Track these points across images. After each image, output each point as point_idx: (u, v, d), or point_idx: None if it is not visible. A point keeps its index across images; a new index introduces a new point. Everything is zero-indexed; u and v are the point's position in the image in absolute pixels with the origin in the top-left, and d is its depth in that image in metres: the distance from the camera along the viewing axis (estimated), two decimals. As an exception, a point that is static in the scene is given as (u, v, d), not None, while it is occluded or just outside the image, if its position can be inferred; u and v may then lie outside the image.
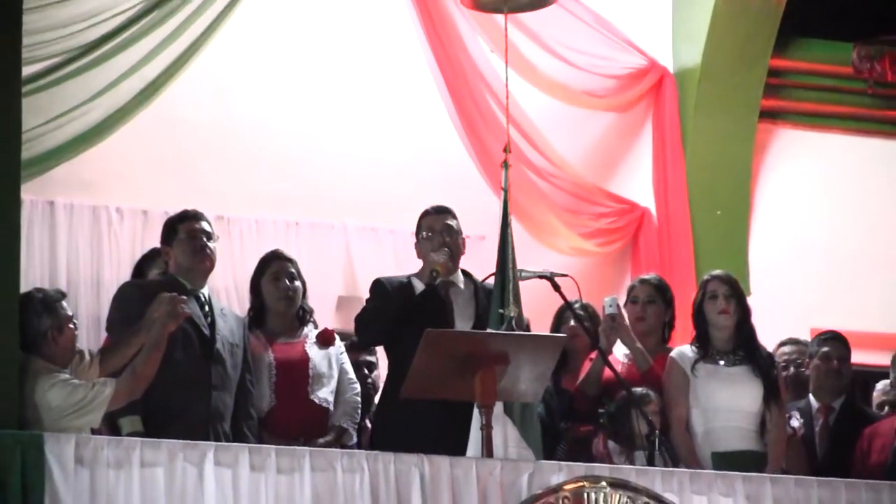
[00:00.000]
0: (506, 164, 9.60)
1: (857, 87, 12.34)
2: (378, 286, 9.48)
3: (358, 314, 9.52)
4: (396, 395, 8.91)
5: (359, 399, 9.60)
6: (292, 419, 9.31)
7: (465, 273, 9.48)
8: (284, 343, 9.50)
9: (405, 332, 8.99)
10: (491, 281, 9.38)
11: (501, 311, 9.19)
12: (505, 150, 9.72)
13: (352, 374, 9.65)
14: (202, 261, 9.09)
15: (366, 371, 9.96)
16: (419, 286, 9.34)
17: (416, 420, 8.87)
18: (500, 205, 9.60)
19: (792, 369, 10.23)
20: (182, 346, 8.82)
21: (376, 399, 9.91)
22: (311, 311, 9.76)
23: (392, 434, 8.98)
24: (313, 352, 9.54)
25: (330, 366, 9.56)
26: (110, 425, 8.63)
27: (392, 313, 9.27)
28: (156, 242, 9.81)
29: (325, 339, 9.61)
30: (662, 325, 9.80)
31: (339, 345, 9.70)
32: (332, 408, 9.49)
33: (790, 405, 9.90)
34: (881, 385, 10.28)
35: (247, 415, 9.08)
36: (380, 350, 9.98)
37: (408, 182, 11.25)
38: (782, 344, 10.40)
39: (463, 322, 9.30)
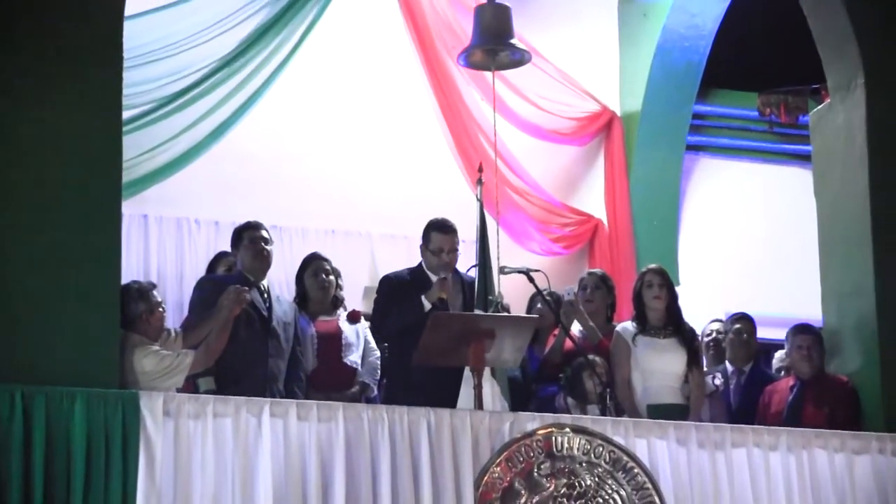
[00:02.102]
0: (480, 180, 9.68)
1: (760, 127, 12.26)
2: (386, 285, 9.39)
3: (373, 315, 9.50)
4: (400, 363, 8.97)
5: (378, 362, 9.64)
6: (330, 376, 9.35)
7: (456, 271, 9.40)
8: (323, 321, 9.54)
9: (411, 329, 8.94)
10: (472, 273, 9.40)
11: (490, 297, 9.24)
12: (479, 171, 9.80)
13: (373, 344, 9.68)
14: (262, 260, 9.05)
15: (384, 343, 9.78)
16: (427, 304, 9.15)
17: (419, 380, 8.87)
18: (477, 210, 9.66)
19: (714, 341, 10.20)
20: (247, 324, 8.78)
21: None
22: (342, 298, 9.80)
23: (399, 391, 8.97)
24: (345, 327, 9.61)
25: (357, 337, 9.63)
26: (190, 385, 8.61)
27: (403, 325, 9.13)
28: (224, 247, 9.90)
29: (353, 318, 9.69)
30: (606, 306, 9.73)
31: (364, 322, 9.75)
32: (359, 368, 9.54)
33: (713, 369, 9.94)
34: (778, 354, 10.23)
35: (296, 377, 9.03)
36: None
37: (416, 199, 11.12)
38: (710, 322, 10.36)
39: (454, 307, 9.23)
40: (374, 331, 9.59)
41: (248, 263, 9.07)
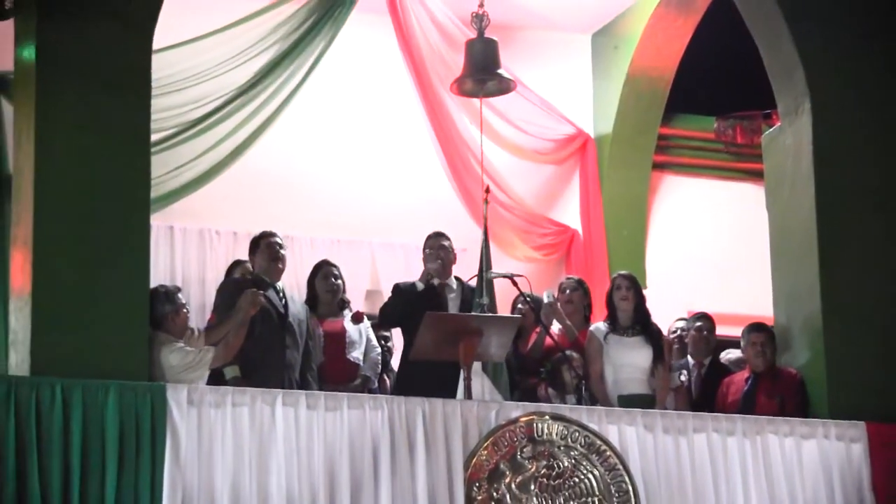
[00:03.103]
0: (486, 202, 9.70)
1: (718, 148, 12.18)
2: (396, 289, 9.46)
3: (381, 307, 9.56)
4: (408, 359, 8.96)
5: (379, 358, 9.61)
6: (335, 370, 9.30)
7: (457, 278, 9.48)
8: (330, 321, 9.50)
9: (415, 318, 8.82)
10: (473, 282, 9.41)
11: (479, 301, 9.22)
12: (486, 192, 9.83)
13: (374, 342, 9.65)
14: (276, 264, 9.02)
15: (383, 341, 9.88)
16: (420, 286, 9.34)
17: (423, 374, 8.81)
18: (482, 231, 9.65)
19: (678, 338, 10.09)
20: (266, 320, 8.76)
21: (392, 360, 9.92)
22: (348, 301, 9.78)
23: (408, 384, 8.90)
24: (349, 326, 9.56)
25: (360, 336, 9.58)
26: (217, 373, 8.55)
27: (402, 306, 9.25)
28: (241, 255, 9.91)
29: (356, 318, 9.65)
30: (583, 307, 9.68)
31: (367, 322, 9.73)
32: (361, 363, 9.50)
33: (678, 363, 9.84)
34: (723, 353, 10.13)
35: (309, 367, 9.00)
36: (395, 330, 9.89)
37: (413, 213, 11.10)
38: (675, 321, 10.28)
39: (454, 310, 9.26)
40: (381, 316, 9.55)
41: (264, 266, 9.04)
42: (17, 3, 8.12)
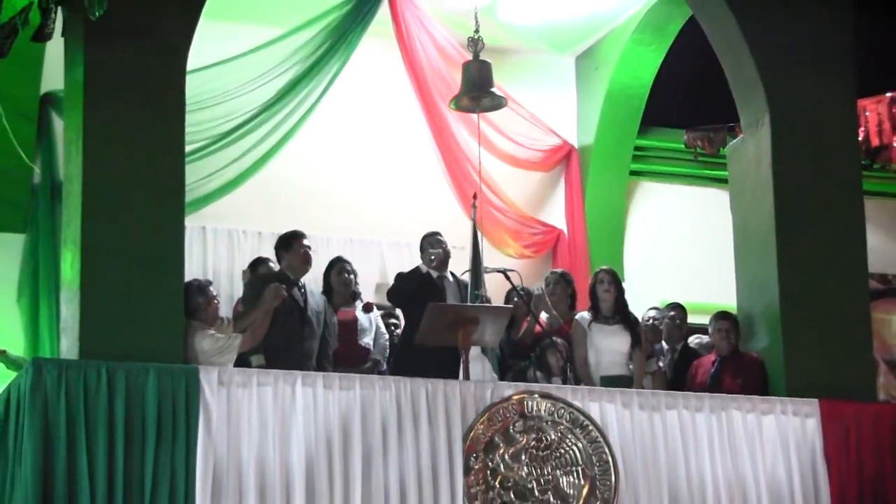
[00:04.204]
0: (474, 205, 9.68)
1: (688, 157, 12.05)
2: (398, 276, 9.53)
3: (388, 290, 9.57)
4: (410, 343, 8.95)
5: (387, 343, 9.58)
6: (348, 355, 9.27)
7: (452, 273, 9.49)
8: (343, 310, 9.48)
9: (417, 305, 8.87)
10: (466, 276, 9.41)
11: (476, 292, 9.24)
12: (474, 197, 9.83)
13: (383, 329, 9.63)
14: (306, 266, 8.97)
15: (392, 328, 9.84)
16: (424, 269, 9.40)
17: (423, 358, 8.82)
18: (471, 229, 9.65)
19: (652, 325, 10.20)
20: (288, 313, 8.74)
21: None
22: (359, 293, 9.77)
23: (408, 365, 8.88)
24: (360, 315, 9.56)
25: (370, 324, 9.58)
26: (244, 360, 8.55)
27: (406, 289, 9.28)
28: (265, 253, 9.90)
29: (367, 309, 9.65)
30: (567, 297, 9.66)
31: (376, 312, 9.73)
32: (371, 348, 9.49)
33: (656, 350, 9.73)
34: (691, 338, 10.07)
35: (325, 355, 8.98)
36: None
37: (417, 215, 11.00)
38: (649, 310, 10.20)
39: (452, 300, 9.27)
40: (389, 297, 9.54)
41: (295, 265, 8.95)
42: (66, 29, 8.11)
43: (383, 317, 9.83)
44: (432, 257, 9.37)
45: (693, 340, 10.14)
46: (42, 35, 7.68)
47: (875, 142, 11.35)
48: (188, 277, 8.48)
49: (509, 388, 8.39)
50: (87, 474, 7.43)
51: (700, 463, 8.48)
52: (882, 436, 8.80)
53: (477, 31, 10.26)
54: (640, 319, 9.61)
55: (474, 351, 8.81)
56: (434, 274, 9.42)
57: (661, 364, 9.62)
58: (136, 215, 8.10)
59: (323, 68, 10.63)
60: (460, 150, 11.17)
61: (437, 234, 9.54)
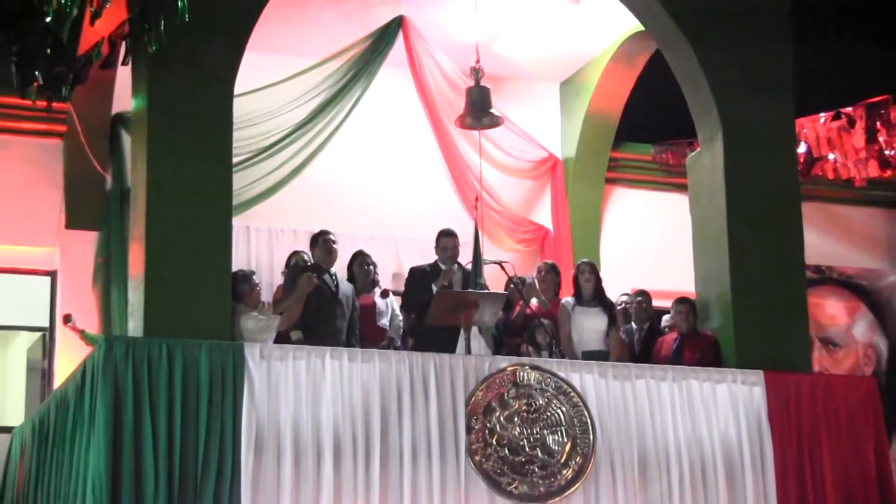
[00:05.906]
0: (476, 208, 9.73)
1: (654, 167, 12.01)
2: (412, 275, 9.37)
3: (402, 297, 9.41)
4: (422, 323, 8.93)
5: (401, 324, 9.48)
6: (368, 334, 9.20)
7: (458, 263, 9.38)
8: (364, 296, 9.40)
9: (429, 291, 8.94)
10: (468, 266, 9.38)
11: (479, 281, 9.23)
12: (475, 200, 9.87)
13: (397, 311, 9.53)
14: (331, 256, 8.96)
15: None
16: (440, 266, 9.23)
17: (432, 334, 8.80)
18: (473, 227, 9.67)
19: (623, 309, 10.11)
20: (322, 297, 8.74)
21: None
22: (377, 281, 9.71)
23: (421, 342, 8.87)
24: (378, 300, 9.49)
25: (387, 307, 9.51)
26: (284, 335, 8.54)
27: (422, 302, 9.02)
28: (299, 247, 9.91)
29: (384, 294, 9.58)
30: (555, 285, 9.60)
31: (392, 297, 9.65)
32: (388, 328, 9.42)
33: (622, 327, 9.78)
34: (665, 317, 9.89)
35: (353, 333, 8.95)
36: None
37: (427, 216, 10.74)
38: (620, 295, 10.10)
39: (457, 287, 9.20)
40: (404, 304, 9.42)
41: (322, 257, 8.97)
42: (132, 60, 8.10)
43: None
44: (447, 248, 9.28)
45: (663, 322, 10.00)
46: (110, 63, 7.67)
47: (815, 153, 11.36)
48: (235, 268, 8.45)
49: (504, 361, 8.38)
50: (150, 433, 7.44)
51: (664, 424, 8.45)
52: (817, 401, 8.79)
53: (478, 61, 10.22)
54: (614, 303, 9.58)
55: (474, 329, 8.80)
56: (443, 266, 9.31)
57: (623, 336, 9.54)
58: (191, 216, 8.09)
59: (348, 93, 10.61)
60: (463, 161, 11.10)
61: (453, 234, 9.38)
